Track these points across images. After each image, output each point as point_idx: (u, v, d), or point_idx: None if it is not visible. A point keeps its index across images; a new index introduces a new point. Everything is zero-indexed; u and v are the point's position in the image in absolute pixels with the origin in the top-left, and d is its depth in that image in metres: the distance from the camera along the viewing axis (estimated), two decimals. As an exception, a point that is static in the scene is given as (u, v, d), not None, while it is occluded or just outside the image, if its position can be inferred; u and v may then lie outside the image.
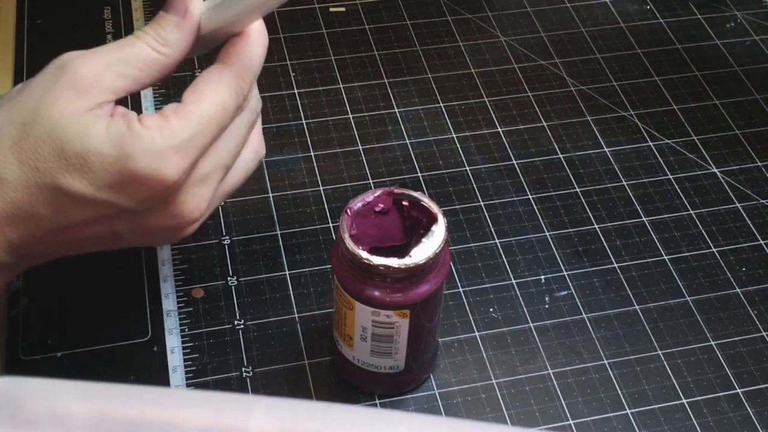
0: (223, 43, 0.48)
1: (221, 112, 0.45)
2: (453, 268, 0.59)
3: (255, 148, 0.50)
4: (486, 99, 0.71)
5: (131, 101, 0.67)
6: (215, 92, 0.45)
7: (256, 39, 0.47)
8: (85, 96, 0.43)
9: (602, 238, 0.62)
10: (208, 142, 0.44)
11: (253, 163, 0.50)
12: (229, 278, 0.58)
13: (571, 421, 0.52)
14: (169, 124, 0.43)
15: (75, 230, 0.44)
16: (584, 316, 0.57)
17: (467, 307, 0.57)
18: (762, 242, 0.62)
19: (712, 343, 0.56)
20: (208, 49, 0.49)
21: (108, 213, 0.44)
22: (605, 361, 0.55)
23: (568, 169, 0.66)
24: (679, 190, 0.65)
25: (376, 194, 0.49)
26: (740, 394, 0.54)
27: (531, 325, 0.57)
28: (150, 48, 0.45)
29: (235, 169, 0.49)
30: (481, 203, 0.63)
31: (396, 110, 0.70)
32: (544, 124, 0.69)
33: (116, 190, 0.43)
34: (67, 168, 0.42)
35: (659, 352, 0.56)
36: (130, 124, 0.43)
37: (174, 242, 0.47)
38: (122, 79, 0.44)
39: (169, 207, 0.45)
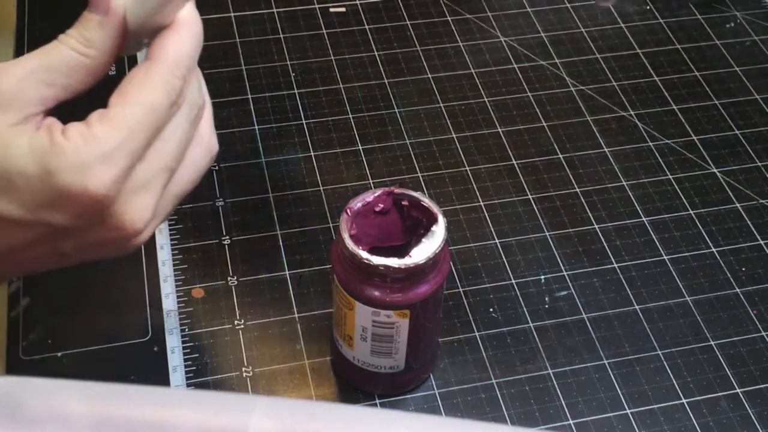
0: None
1: (151, 113, 0.42)
2: (453, 268, 0.59)
3: (205, 144, 0.47)
4: (486, 99, 0.71)
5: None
6: (142, 92, 0.42)
7: (183, 28, 0.44)
8: (6, 111, 0.40)
9: (602, 238, 0.62)
10: (139, 147, 0.41)
11: (204, 160, 0.47)
12: (229, 278, 0.58)
13: (571, 421, 0.52)
14: (94, 132, 0.40)
15: (17, 254, 0.42)
16: (584, 316, 0.57)
17: (467, 307, 0.57)
18: (762, 242, 0.62)
19: (712, 343, 0.56)
20: (145, 45, 0.46)
21: (46, 233, 0.41)
22: (605, 361, 0.55)
23: (568, 169, 0.66)
24: (679, 190, 0.65)
25: (376, 194, 0.49)
26: (740, 394, 0.54)
27: (531, 325, 0.57)
28: (74, 51, 0.42)
29: (183, 170, 0.46)
30: (481, 203, 0.63)
31: (396, 110, 0.70)
32: (544, 124, 0.69)
33: (47, 209, 0.40)
34: None
35: (659, 352, 0.56)
36: (52, 137, 0.40)
37: (129, 253, 0.45)
38: (48, 88, 0.41)
39: (109, 220, 0.42)
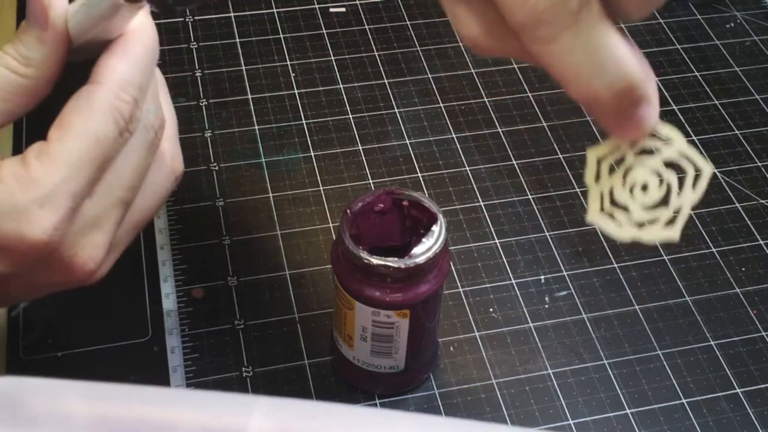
0: None
1: (95, 145, 0.37)
2: (453, 268, 0.59)
3: (167, 167, 0.42)
4: (486, 99, 0.71)
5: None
6: (84, 122, 0.37)
7: (132, 41, 0.38)
8: None
9: (602, 238, 0.62)
10: (83, 184, 0.37)
11: (166, 185, 0.43)
12: (229, 278, 0.58)
13: (571, 421, 0.52)
14: (30, 173, 0.36)
15: None
16: (584, 316, 0.57)
17: (467, 307, 0.57)
18: (762, 242, 0.62)
19: (712, 343, 0.56)
20: (95, 55, 0.39)
21: None
22: (605, 361, 0.55)
23: (568, 169, 0.66)
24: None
25: (376, 194, 0.49)
26: (740, 394, 0.54)
27: (531, 325, 0.57)
28: (10, 71, 0.38)
29: (141, 199, 0.41)
30: (481, 203, 0.63)
31: (396, 110, 0.70)
32: (544, 124, 0.69)
33: None
34: None
35: (659, 352, 0.56)
36: None
37: (83, 285, 0.41)
38: None
39: (55, 264, 0.38)
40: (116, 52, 0.38)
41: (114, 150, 0.38)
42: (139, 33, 0.38)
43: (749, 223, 0.63)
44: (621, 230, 0.36)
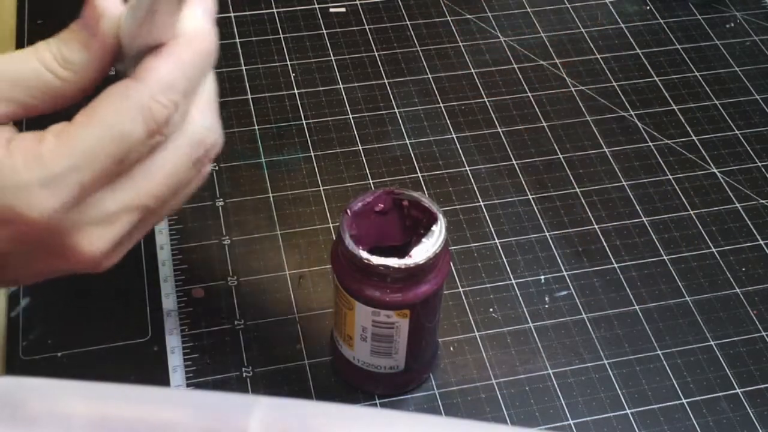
0: None
1: (117, 140, 0.35)
2: (453, 268, 0.59)
3: (201, 180, 0.41)
4: (486, 99, 0.71)
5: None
6: (112, 114, 0.35)
7: (184, 45, 0.37)
8: None
9: (602, 238, 0.62)
10: (95, 174, 0.35)
11: (192, 188, 0.41)
12: (229, 278, 0.58)
13: (571, 421, 0.52)
14: (42, 151, 0.35)
15: None
16: (584, 316, 0.57)
17: (467, 307, 0.57)
18: (762, 242, 0.62)
19: (712, 343, 0.56)
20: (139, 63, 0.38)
21: None
22: (605, 361, 0.55)
23: (568, 169, 0.66)
24: (678, 190, 0.65)
25: (376, 194, 0.49)
26: (740, 394, 0.54)
27: (531, 325, 0.57)
28: (46, 69, 0.36)
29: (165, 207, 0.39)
30: (481, 203, 0.63)
31: (396, 110, 0.70)
32: (544, 124, 0.69)
33: None
34: None
35: (659, 352, 0.56)
36: None
37: (93, 272, 0.39)
38: (3, 104, 0.36)
39: (55, 249, 0.37)
40: (162, 54, 0.36)
41: (138, 151, 0.36)
42: (191, 37, 0.37)
43: (749, 223, 0.63)
44: None
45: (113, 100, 0.35)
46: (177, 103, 0.36)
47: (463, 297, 0.58)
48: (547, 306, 0.58)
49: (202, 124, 0.38)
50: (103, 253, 0.38)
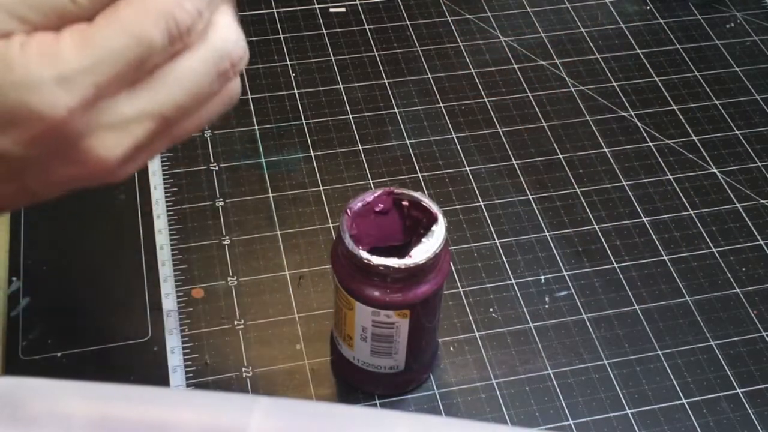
0: None
1: (135, 44, 0.35)
2: (453, 268, 0.59)
3: (229, 94, 0.41)
4: (486, 99, 0.71)
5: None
6: (133, 16, 0.35)
7: None
8: None
9: (602, 238, 0.62)
10: (111, 77, 0.35)
11: (218, 109, 0.41)
12: (229, 278, 0.58)
13: (571, 421, 0.52)
14: (57, 49, 0.34)
15: None
16: (584, 316, 0.57)
17: (467, 307, 0.57)
18: (762, 242, 0.62)
19: (712, 343, 0.56)
20: None
21: (2, 169, 0.36)
22: (605, 361, 0.55)
23: (568, 169, 0.66)
24: (678, 191, 0.65)
25: (376, 194, 0.49)
26: (740, 394, 0.54)
27: (531, 325, 0.57)
28: None
29: (189, 120, 0.39)
30: (481, 203, 0.63)
31: (396, 110, 0.70)
32: (544, 124, 0.69)
33: None
34: None
35: (659, 352, 0.56)
36: (8, 47, 0.34)
37: (104, 184, 0.39)
38: (15, 22, 0.35)
39: (69, 151, 0.36)
40: None
41: (158, 57, 0.36)
42: None
43: (749, 223, 0.63)
44: None
45: (136, 3, 0.35)
46: (201, 11, 0.36)
47: (463, 297, 0.58)
48: (547, 306, 0.58)
49: (228, 36, 0.38)
50: (118, 160, 0.37)
